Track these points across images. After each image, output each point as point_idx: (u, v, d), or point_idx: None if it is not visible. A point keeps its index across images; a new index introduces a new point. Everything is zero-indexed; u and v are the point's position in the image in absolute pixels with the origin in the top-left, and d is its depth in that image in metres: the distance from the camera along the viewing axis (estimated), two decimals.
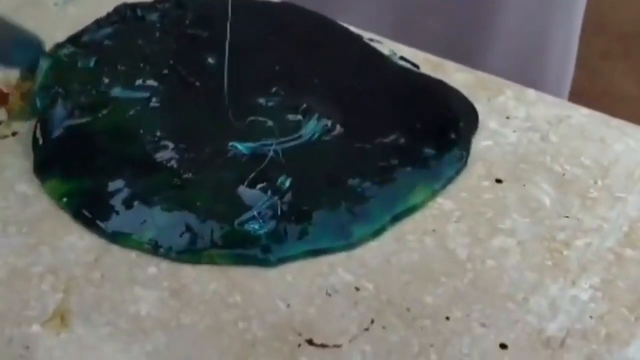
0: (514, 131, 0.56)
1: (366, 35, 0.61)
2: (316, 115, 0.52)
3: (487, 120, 0.56)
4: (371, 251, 0.47)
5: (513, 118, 0.57)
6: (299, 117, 0.52)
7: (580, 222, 0.50)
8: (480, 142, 0.55)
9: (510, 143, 0.55)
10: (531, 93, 0.59)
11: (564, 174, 0.53)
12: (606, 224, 0.50)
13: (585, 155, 0.54)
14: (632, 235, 0.50)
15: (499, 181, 0.53)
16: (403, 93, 0.56)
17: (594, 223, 0.50)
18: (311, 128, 0.52)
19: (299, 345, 0.42)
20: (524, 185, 0.53)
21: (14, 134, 0.53)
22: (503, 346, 0.43)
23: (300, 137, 0.51)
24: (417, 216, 0.50)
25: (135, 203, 0.47)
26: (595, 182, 0.53)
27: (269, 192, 0.47)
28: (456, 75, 0.59)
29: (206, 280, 0.45)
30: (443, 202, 0.51)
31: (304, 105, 0.52)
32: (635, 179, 0.53)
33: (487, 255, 0.48)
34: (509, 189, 0.52)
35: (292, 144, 0.51)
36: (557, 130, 0.56)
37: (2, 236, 0.46)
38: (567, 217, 0.51)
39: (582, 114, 0.58)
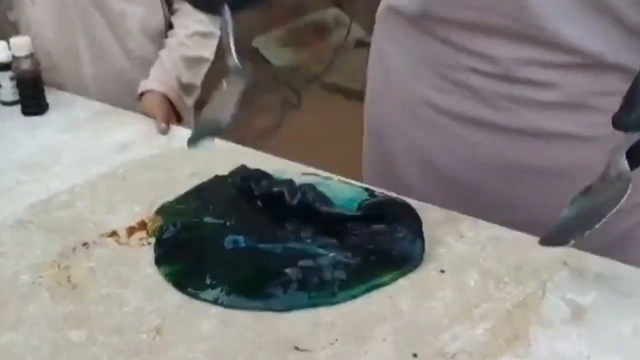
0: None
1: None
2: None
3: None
4: (346, 304, 0.77)
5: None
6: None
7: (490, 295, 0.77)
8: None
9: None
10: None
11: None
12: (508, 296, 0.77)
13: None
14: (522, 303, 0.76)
15: (442, 271, 0.81)
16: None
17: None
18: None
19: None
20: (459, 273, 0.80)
21: (149, 243, 0.88)
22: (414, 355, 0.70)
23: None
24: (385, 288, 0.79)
25: (213, 281, 0.80)
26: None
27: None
28: None
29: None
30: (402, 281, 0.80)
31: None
32: None
33: (423, 308, 0.76)
34: (448, 276, 0.80)
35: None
36: None
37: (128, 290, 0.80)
38: (482, 291, 0.78)
39: None
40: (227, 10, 0.85)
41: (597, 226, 0.72)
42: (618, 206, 0.72)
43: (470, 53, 0.92)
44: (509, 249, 0.85)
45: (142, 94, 1.29)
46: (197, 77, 1.37)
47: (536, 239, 0.85)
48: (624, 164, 0.74)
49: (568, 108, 0.90)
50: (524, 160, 0.94)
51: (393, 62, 1.03)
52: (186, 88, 1.35)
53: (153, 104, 1.25)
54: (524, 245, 0.85)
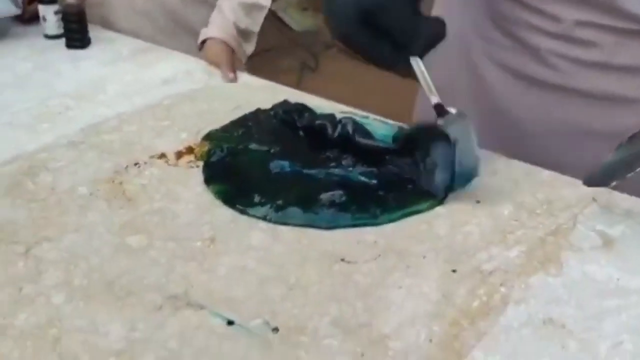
0: None
1: None
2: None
3: None
4: (386, 226, 0.81)
5: None
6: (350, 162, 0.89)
7: (523, 224, 0.82)
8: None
9: None
10: None
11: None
12: (541, 225, 0.81)
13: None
14: (554, 230, 0.80)
15: (477, 202, 0.86)
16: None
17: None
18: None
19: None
20: (494, 204, 0.85)
21: (197, 166, 0.92)
22: (454, 271, 0.75)
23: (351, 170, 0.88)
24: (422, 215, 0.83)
25: (261, 199, 0.84)
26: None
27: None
28: None
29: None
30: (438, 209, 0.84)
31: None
32: None
33: (460, 232, 0.80)
34: (483, 206, 0.85)
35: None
36: None
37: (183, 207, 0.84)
38: (516, 220, 0.82)
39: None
40: (418, 61, 0.82)
41: (638, 169, 0.77)
42: None
43: (533, 10, 0.95)
44: (541, 186, 0.89)
45: (203, 42, 1.32)
46: (255, 24, 1.39)
47: (568, 179, 0.89)
48: None
49: (630, 72, 0.94)
50: (578, 121, 0.98)
51: (455, 17, 1.06)
52: (245, 34, 1.38)
53: (216, 52, 1.28)
54: (557, 182, 0.90)
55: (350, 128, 0.93)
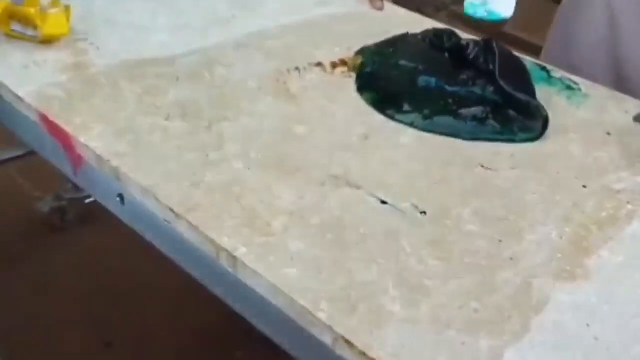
0: None
1: None
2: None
3: None
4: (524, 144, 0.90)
5: None
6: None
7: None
8: None
9: None
10: None
11: None
12: None
13: None
14: None
15: (608, 134, 0.93)
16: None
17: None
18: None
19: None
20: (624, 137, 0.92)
21: (351, 76, 1.02)
22: (584, 187, 0.82)
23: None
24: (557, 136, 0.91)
25: (410, 108, 0.94)
26: None
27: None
28: None
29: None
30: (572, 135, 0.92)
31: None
32: None
33: (591, 156, 0.88)
34: (614, 138, 0.92)
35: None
36: None
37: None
38: None
39: None
40: None
41: None
42: None
43: None
44: None
45: None
46: None
47: None
48: None
49: None
50: None
51: None
52: None
53: None
54: None
55: (487, 51, 1.01)
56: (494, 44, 1.01)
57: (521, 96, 0.94)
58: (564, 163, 0.87)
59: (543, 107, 0.93)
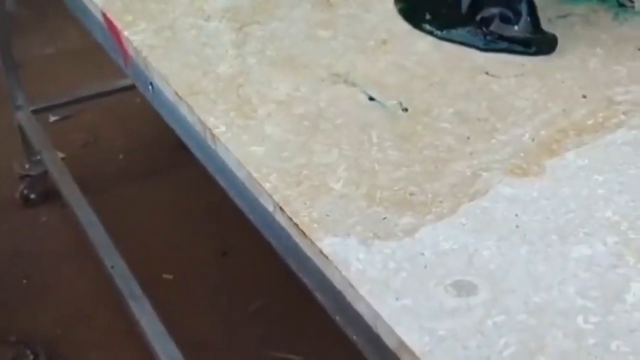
0: None
1: None
2: None
3: None
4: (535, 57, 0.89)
5: None
6: None
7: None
8: None
9: None
10: None
11: None
12: None
13: None
14: None
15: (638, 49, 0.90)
16: None
17: None
18: None
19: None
20: None
21: None
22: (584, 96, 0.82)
23: None
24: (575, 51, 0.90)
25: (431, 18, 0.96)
26: None
27: None
28: None
29: None
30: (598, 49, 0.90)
31: None
32: None
33: (608, 70, 0.86)
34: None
35: None
36: None
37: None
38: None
39: None
40: None
41: None
42: None
43: None
44: None
45: None
46: None
47: None
48: None
49: None
50: None
51: None
52: None
53: None
54: None
55: None
56: None
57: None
58: (572, 74, 0.86)
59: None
